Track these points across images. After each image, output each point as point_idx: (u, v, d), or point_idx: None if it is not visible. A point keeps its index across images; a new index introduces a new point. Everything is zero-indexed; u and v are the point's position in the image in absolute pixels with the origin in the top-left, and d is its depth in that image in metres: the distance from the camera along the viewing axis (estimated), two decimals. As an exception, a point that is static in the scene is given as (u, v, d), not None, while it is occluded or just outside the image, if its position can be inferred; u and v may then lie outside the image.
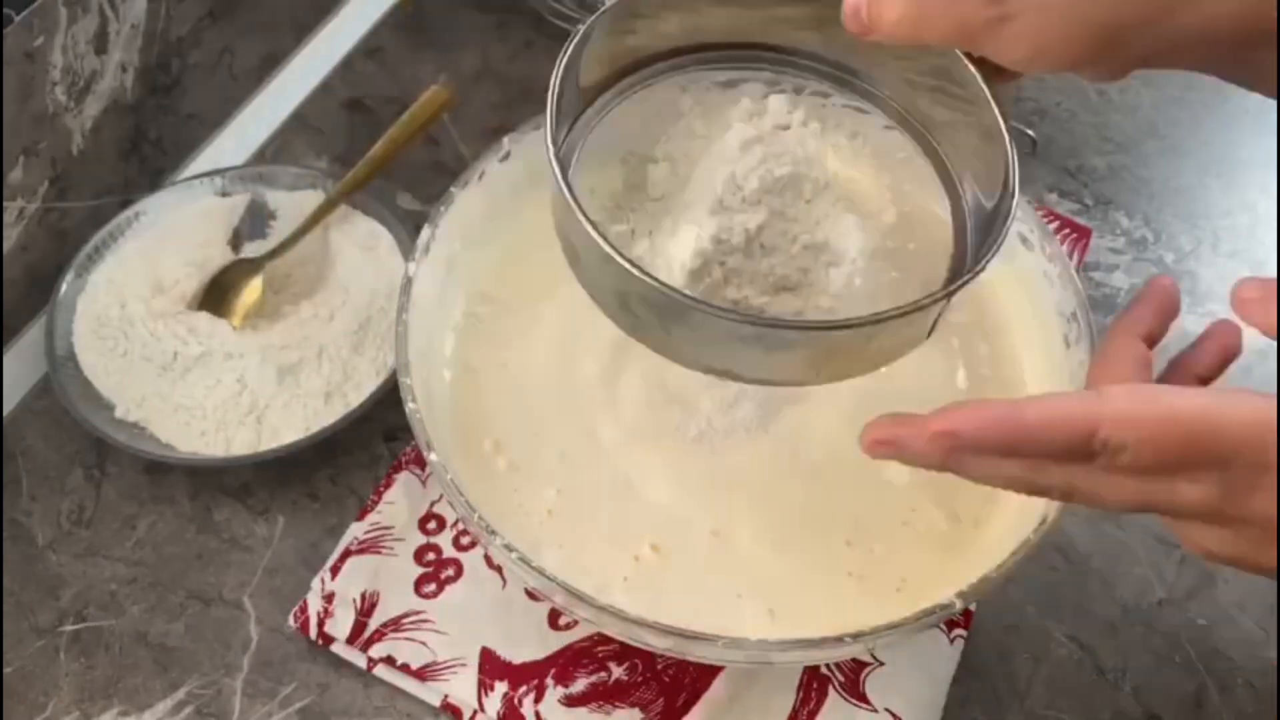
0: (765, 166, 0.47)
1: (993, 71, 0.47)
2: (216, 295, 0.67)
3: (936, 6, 0.43)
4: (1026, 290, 0.61)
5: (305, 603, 0.59)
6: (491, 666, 0.58)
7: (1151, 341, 0.45)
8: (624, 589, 0.53)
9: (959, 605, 0.49)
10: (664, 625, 0.48)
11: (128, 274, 0.67)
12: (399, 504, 0.63)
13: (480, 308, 0.61)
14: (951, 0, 0.43)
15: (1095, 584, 0.63)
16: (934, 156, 0.51)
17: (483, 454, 0.56)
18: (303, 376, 0.64)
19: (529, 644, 0.59)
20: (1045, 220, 0.61)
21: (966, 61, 0.47)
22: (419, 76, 0.83)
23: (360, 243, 0.70)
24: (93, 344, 0.65)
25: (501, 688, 0.57)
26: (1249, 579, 0.64)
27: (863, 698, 0.58)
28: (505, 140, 0.61)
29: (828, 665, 0.59)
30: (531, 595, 0.60)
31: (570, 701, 0.57)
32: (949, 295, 0.44)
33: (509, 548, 0.49)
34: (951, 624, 0.60)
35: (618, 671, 0.58)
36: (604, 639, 0.59)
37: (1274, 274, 0.77)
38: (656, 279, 0.41)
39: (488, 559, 0.61)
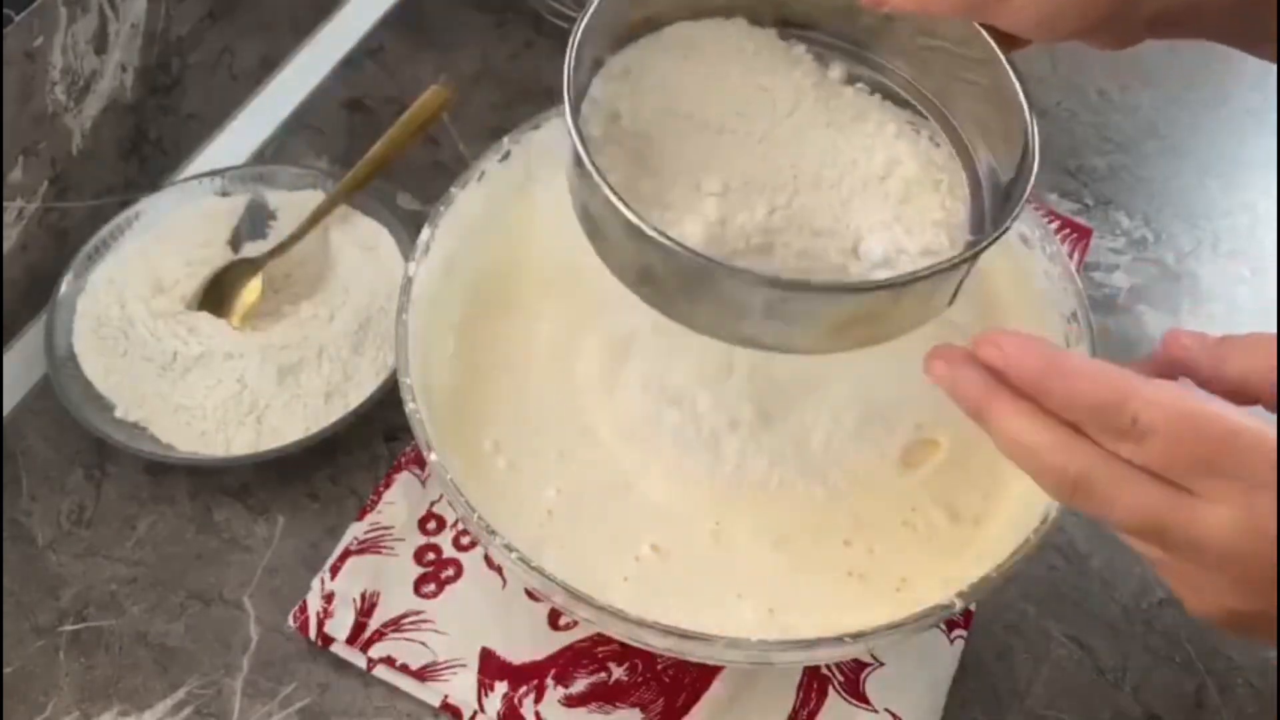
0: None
1: (1001, 40, 0.46)
2: (216, 295, 0.67)
3: None
4: (1026, 290, 0.61)
5: (305, 603, 0.59)
6: (491, 667, 0.58)
7: None
8: (624, 589, 0.53)
9: (959, 605, 0.49)
10: (664, 625, 0.48)
11: (128, 274, 0.67)
12: (399, 504, 0.63)
13: (480, 308, 0.61)
14: None
15: (1095, 584, 0.63)
16: (947, 128, 0.51)
17: (483, 454, 0.56)
18: (303, 376, 0.64)
19: (529, 644, 0.59)
20: (1045, 220, 0.61)
21: (981, 29, 0.47)
22: (419, 76, 0.83)
23: (360, 243, 0.70)
24: (93, 344, 0.65)
25: (501, 688, 0.57)
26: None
27: (863, 698, 0.58)
28: (505, 140, 0.61)
29: (828, 665, 0.59)
30: (531, 595, 0.60)
31: (570, 702, 0.57)
32: (974, 257, 0.44)
33: (509, 548, 0.49)
34: (951, 624, 0.60)
35: (618, 672, 0.58)
36: (604, 639, 0.59)
37: (1274, 274, 0.77)
38: (683, 244, 0.41)
39: (488, 559, 0.61)
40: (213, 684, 0.58)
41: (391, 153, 0.72)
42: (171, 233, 0.70)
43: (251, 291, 0.67)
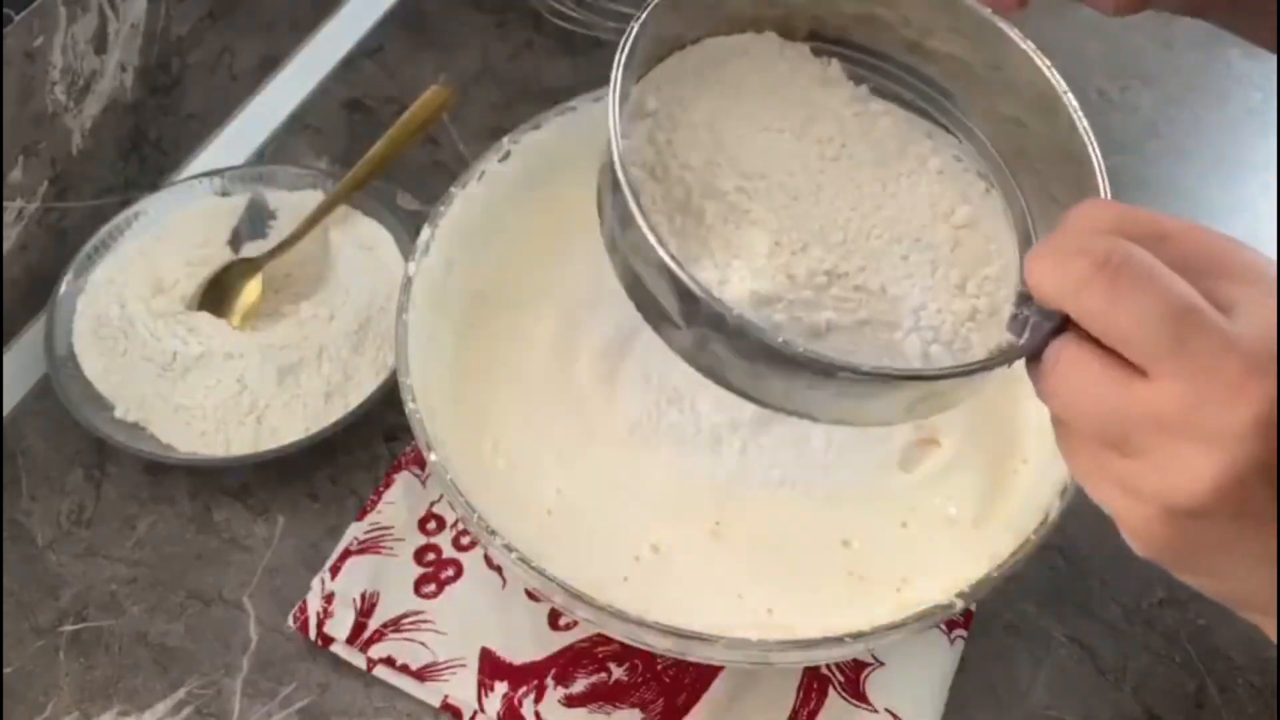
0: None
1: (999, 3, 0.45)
2: (216, 295, 0.67)
3: None
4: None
5: (305, 603, 0.59)
6: (491, 667, 0.58)
7: None
8: (624, 589, 0.53)
9: (959, 605, 0.49)
10: (664, 625, 0.48)
11: (128, 274, 0.67)
12: (399, 504, 0.63)
13: (480, 308, 0.61)
14: None
15: (1095, 584, 0.63)
16: (1009, 193, 0.49)
17: (483, 454, 0.56)
18: (303, 376, 0.64)
19: (529, 644, 0.59)
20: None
21: (1056, 78, 0.45)
22: (419, 76, 0.83)
23: (360, 243, 0.70)
24: (93, 344, 0.65)
25: (501, 688, 0.57)
26: (1249, 579, 0.64)
27: (863, 698, 0.58)
28: (505, 140, 0.61)
29: (828, 665, 0.59)
30: (531, 595, 0.60)
31: (570, 702, 0.57)
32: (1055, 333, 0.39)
33: (509, 548, 0.49)
34: (951, 624, 0.60)
35: (618, 672, 0.58)
36: (604, 639, 0.59)
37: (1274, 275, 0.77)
38: (766, 331, 0.39)
39: (488, 559, 0.61)
40: (213, 684, 0.58)
41: (391, 153, 0.72)
42: (171, 233, 0.70)
43: (251, 291, 0.67)
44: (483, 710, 0.57)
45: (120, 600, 0.60)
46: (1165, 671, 0.61)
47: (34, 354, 0.67)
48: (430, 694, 0.57)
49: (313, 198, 0.72)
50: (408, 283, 0.56)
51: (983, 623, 0.61)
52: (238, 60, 0.79)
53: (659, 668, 0.58)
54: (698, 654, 0.50)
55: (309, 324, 0.66)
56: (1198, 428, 0.33)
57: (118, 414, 0.63)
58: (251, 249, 0.70)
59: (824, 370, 0.39)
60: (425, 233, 0.58)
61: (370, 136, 0.74)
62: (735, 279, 0.43)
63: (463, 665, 0.58)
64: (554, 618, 0.59)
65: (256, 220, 0.72)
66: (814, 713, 0.57)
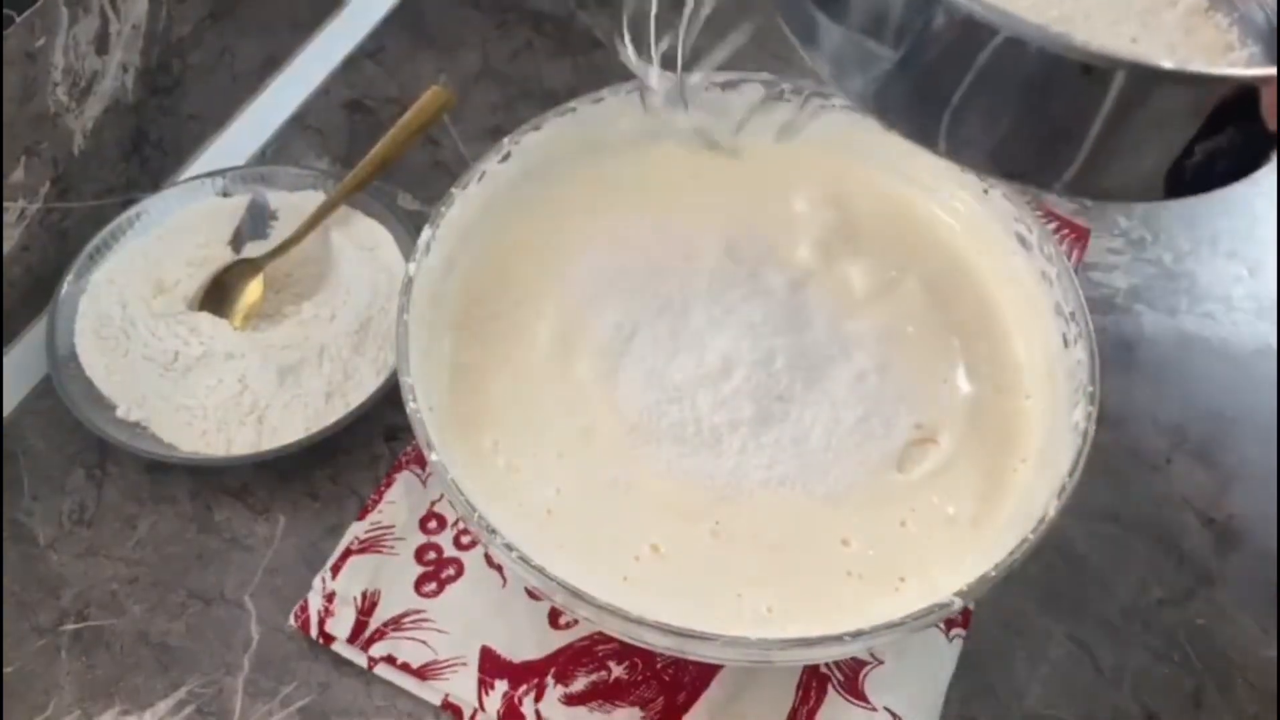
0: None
1: None
2: (217, 295, 0.67)
3: None
4: (1025, 290, 0.61)
5: (306, 602, 0.59)
6: (492, 665, 0.58)
7: None
8: (624, 588, 0.53)
9: (958, 604, 0.49)
10: (664, 624, 0.48)
11: (129, 274, 0.68)
12: (399, 503, 0.63)
13: (480, 308, 0.61)
14: None
15: (1094, 583, 0.64)
16: None
17: (483, 453, 0.57)
18: (303, 376, 0.64)
19: (529, 643, 0.59)
20: (1044, 220, 0.61)
21: None
22: (419, 76, 0.83)
23: (361, 243, 0.71)
24: (94, 344, 0.66)
25: (502, 686, 0.57)
26: (1248, 578, 0.64)
27: (862, 696, 0.58)
28: (505, 141, 0.61)
29: (827, 664, 0.59)
30: (531, 594, 0.60)
31: (570, 700, 0.57)
32: None
33: (509, 547, 0.49)
34: (950, 623, 0.60)
35: (618, 670, 0.58)
36: (604, 638, 0.59)
37: (1273, 273, 0.77)
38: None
39: (488, 558, 0.61)
40: (214, 683, 0.58)
41: (392, 153, 0.72)
42: (172, 233, 0.70)
43: (252, 292, 0.68)
44: (483, 709, 0.57)
45: (121, 600, 0.60)
46: (1164, 671, 0.61)
47: (35, 354, 0.67)
48: (431, 692, 0.58)
49: (313, 198, 0.72)
50: (408, 283, 0.56)
51: (981, 622, 0.61)
52: (239, 61, 0.79)
53: (658, 666, 0.58)
54: (697, 652, 0.51)
55: (310, 324, 0.66)
56: None
57: (119, 414, 0.64)
58: (252, 249, 0.70)
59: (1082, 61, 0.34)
60: (425, 233, 0.58)
61: (371, 137, 0.74)
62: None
63: (463, 664, 0.58)
64: (554, 616, 0.60)
65: (257, 220, 0.72)
66: (813, 711, 0.58)
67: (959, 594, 0.49)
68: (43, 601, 0.60)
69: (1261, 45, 0.44)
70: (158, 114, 0.74)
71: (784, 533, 0.55)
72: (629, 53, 0.51)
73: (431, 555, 0.61)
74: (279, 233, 0.71)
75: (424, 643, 0.58)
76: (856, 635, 0.48)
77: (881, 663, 0.59)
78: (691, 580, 0.54)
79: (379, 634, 0.59)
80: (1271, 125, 0.36)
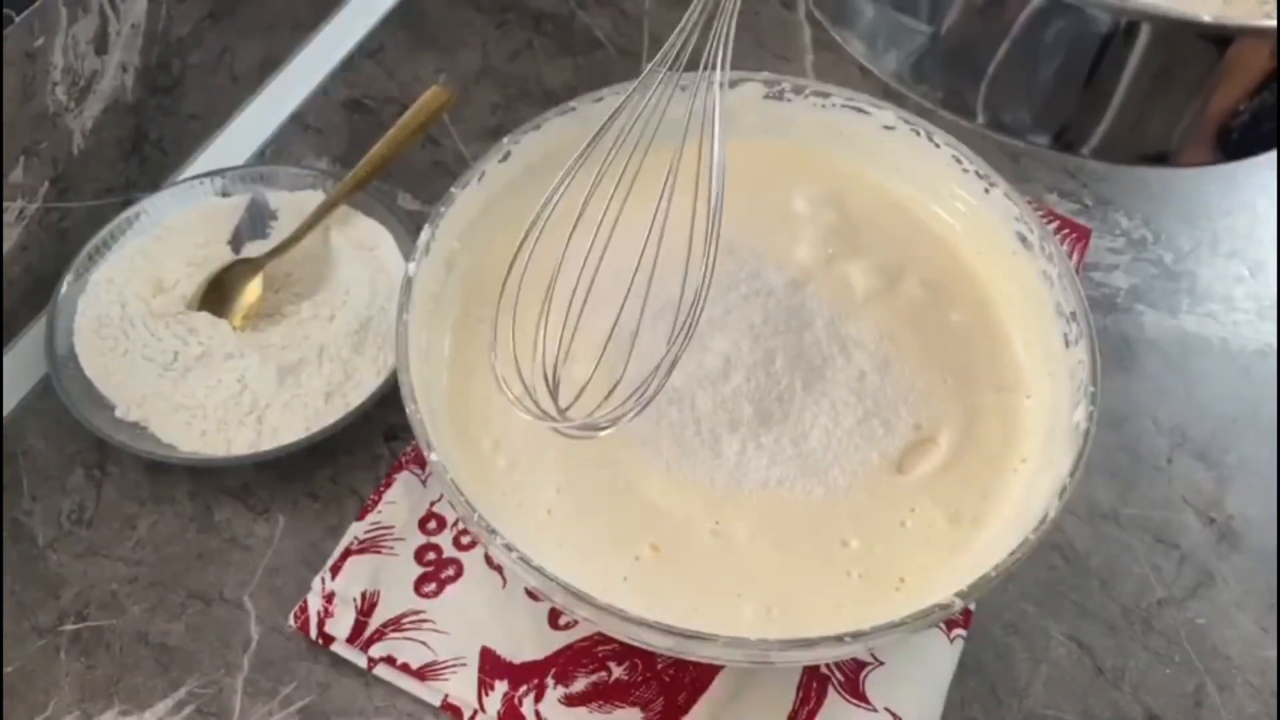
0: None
1: None
2: (217, 295, 0.67)
3: None
4: (1026, 290, 0.61)
5: (305, 602, 0.59)
6: (491, 666, 0.58)
7: None
8: (624, 589, 0.53)
9: (958, 605, 0.49)
10: (664, 625, 0.48)
11: (128, 274, 0.68)
12: (399, 504, 0.63)
13: (480, 308, 0.61)
14: None
15: (1094, 584, 0.64)
16: None
17: (483, 454, 0.57)
18: (303, 376, 0.64)
19: (529, 643, 0.59)
20: (1045, 220, 0.61)
21: None
22: (419, 76, 0.83)
23: (360, 243, 0.71)
24: (93, 344, 0.65)
25: (501, 687, 0.57)
26: (1248, 578, 0.64)
27: (862, 697, 0.58)
28: (505, 140, 0.61)
29: (827, 664, 0.59)
30: (531, 595, 0.60)
31: (570, 701, 0.57)
32: None
33: (509, 547, 0.49)
34: (951, 623, 0.60)
35: (618, 671, 0.58)
36: (604, 638, 0.59)
37: (1273, 273, 0.77)
38: None
39: (488, 559, 0.61)
40: (213, 683, 0.58)
41: (391, 153, 0.72)
42: (172, 233, 0.70)
43: (252, 292, 0.68)
44: (483, 709, 0.57)
45: (121, 600, 0.60)
46: (1164, 671, 0.61)
47: (35, 354, 0.67)
48: (430, 693, 0.58)
49: (313, 198, 0.72)
50: (408, 283, 0.56)
51: (982, 622, 0.61)
52: (238, 60, 0.79)
53: (659, 667, 0.58)
54: (697, 653, 0.50)
55: (309, 324, 0.66)
56: None
57: (118, 414, 0.64)
58: (252, 249, 0.70)
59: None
60: (425, 233, 0.58)
61: (370, 136, 0.74)
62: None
63: (463, 664, 0.58)
64: (554, 617, 0.60)
65: (257, 220, 0.72)
66: (813, 712, 0.58)
67: (959, 594, 0.49)
68: (43, 601, 0.60)
69: None
70: (157, 114, 0.74)
71: (784, 533, 0.55)
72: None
73: (431, 556, 0.61)
74: (279, 233, 0.71)
75: (424, 643, 0.58)
76: (857, 636, 0.48)
77: (882, 663, 0.59)
78: (691, 580, 0.54)
79: (379, 634, 0.59)
80: None
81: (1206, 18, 0.35)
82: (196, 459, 0.62)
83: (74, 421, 0.63)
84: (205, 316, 0.66)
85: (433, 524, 0.62)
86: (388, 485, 0.63)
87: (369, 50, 0.85)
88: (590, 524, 0.55)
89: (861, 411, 0.57)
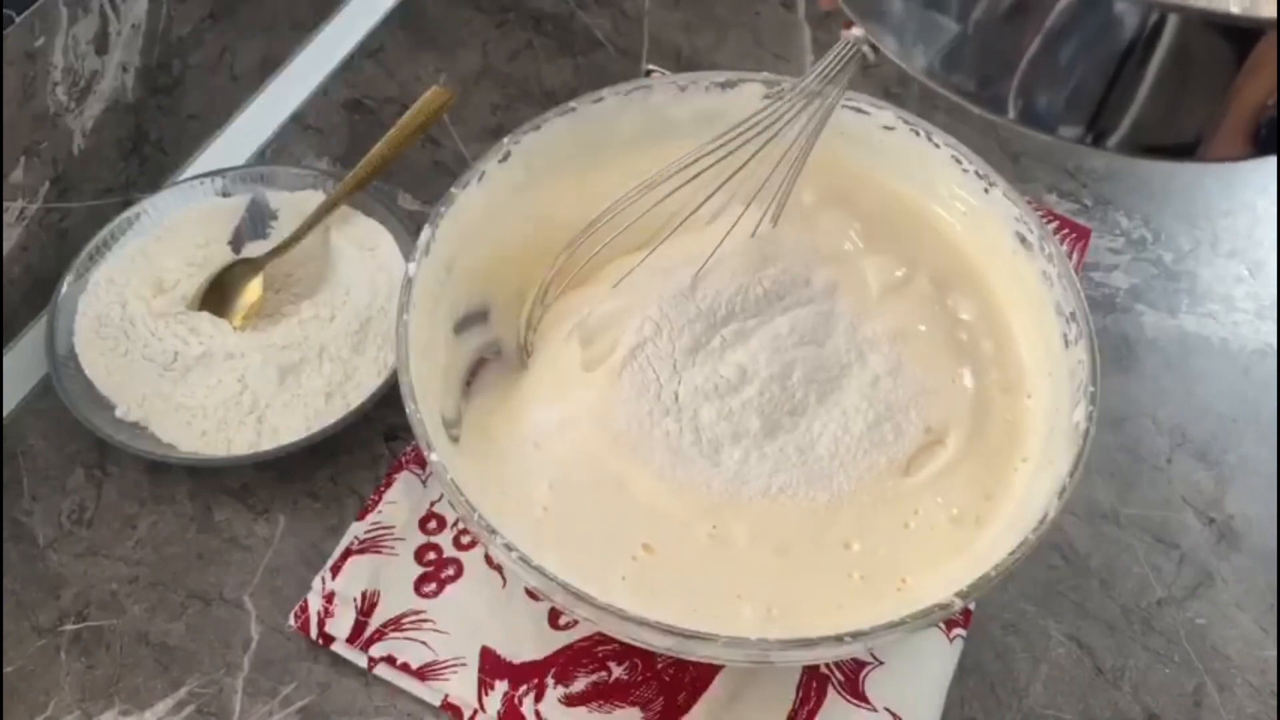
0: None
1: None
2: (217, 295, 0.67)
3: None
4: (1026, 290, 0.61)
5: (306, 602, 0.59)
6: (491, 666, 0.58)
7: None
8: (624, 589, 0.53)
9: (958, 605, 0.49)
10: (664, 624, 0.48)
11: (128, 274, 0.68)
12: (399, 504, 0.63)
13: (480, 308, 0.61)
14: None
15: (1094, 583, 0.64)
16: None
17: (481, 452, 0.56)
18: (303, 376, 0.64)
19: (529, 643, 0.59)
20: (1045, 220, 0.61)
21: None
22: (419, 76, 0.83)
23: (361, 243, 0.71)
24: (94, 344, 0.66)
25: (501, 687, 0.57)
26: (1248, 578, 0.64)
27: (862, 697, 0.58)
28: (505, 141, 0.61)
29: (827, 664, 0.59)
30: (531, 595, 0.60)
31: (570, 701, 0.57)
32: None
33: (509, 547, 0.49)
34: (951, 623, 0.60)
35: (618, 671, 0.58)
36: (604, 638, 0.59)
37: (1273, 273, 0.77)
38: None
39: (488, 559, 0.61)
40: (213, 683, 0.58)
41: (392, 153, 0.72)
42: (172, 233, 0.70)
43: (252, 292, 0.68)
44: (483, 709, 0.57)
45: (121, 600, 0.60)
46: (1164, 671, 0.61)
47: (35, 354, 0.67)
48: (431, 693, 0.58)
49: (313, 198, 0.72)
50: (408, 283, 0.56)
51: (982, 622, 0.61)
52: (238, 61, 0.79)
53: (659, 666, 0.58)
54: (697, 652, 0.50)
55: (310, 324, 0.66)
56: None
57: (119, 414, 0.64)
58: (252, 249, 0.70)
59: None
60: (425, 233, 0.58)
61: (370, 137, 0.74)
62: None
63: (463, 664, 0.58)
64: (554, 617, 0.60)
65: (257, 220, 0.72)
66: (813, 712, 0.58)
67: (959, 594, 0.49)
68: (43, 601, 0.60)
69: None
70: (157, 114, 0.74)
71: (785, 538, 0.55)
72: None
73: (431, 556, 0.61)
74: (279, 233, 0.71)
75: (424, 643, 0.58)
76: (856, 635, 0.48)
77: (882, 663, 0.59)
78: (689, 581, 0.54)
79: (379, 634, 0.59)
80: None
81: (1235, 7, 0.35)
82: (196, 459, 0.63)
83: (74, 421, 0.63)
84: (205, 316, 0.66)
85: (433, 524, 0.62)
86: (388, 485, 0.63)
87: (369, 50, 0.85)
88: (584, 522, 0.55)
89: (873, 416, 0.57)
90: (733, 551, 0.54)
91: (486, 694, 0.57)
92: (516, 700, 0.57)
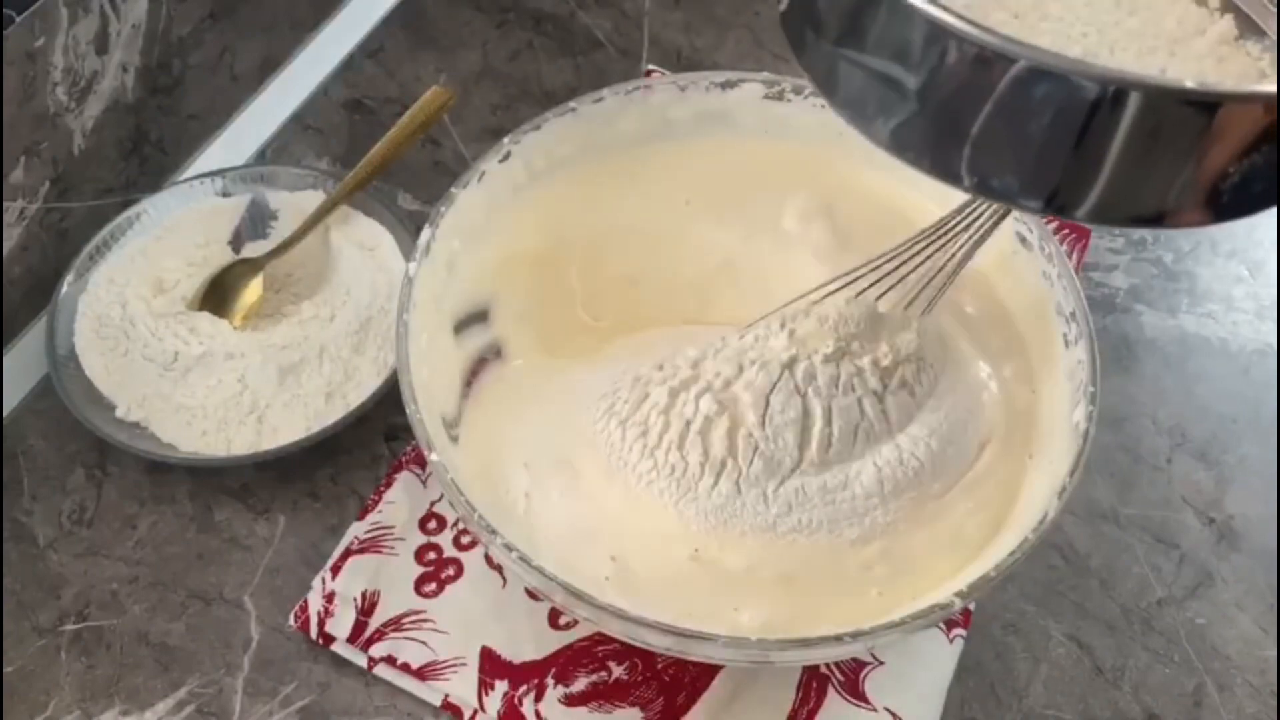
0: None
1: None
2: (217, 295, 0.67)
3: None
4: (1026, 290, 0.61)
5: (306, 602, 0.59)
6: (492, 666, 0.58)
7: None
8: (623, 589, 0.53)
9: (958, 605, 0.49)
10: (664, 624, 0.48)
11: (129, 274, 0.68)
12: (399, 504, 0.63)
13: (480, 308, 0.61)
14: None
15: (1094, 583, 0.64)
16: None
17: (478, 450, 0.57)
18: (304, 376, 0.64)
19: (529, 643, 0.59)
20: (1045, 220, 0.61)
21: None
22: (419, 76, 0.83)
23: (361, 243, 0.71)
24: (94, 344, 0.66)
25: (502, 687, 0.57)
26: (1247, 578, 0.64)
27: (862, 697, 0.58)
28: (505, 141, 0.61)
29: (827, 664, 0.59)
30: (531, 595, 0.60)
31: (570, 701, 0.57)
32: None
33: (509, 547, 0.49)
34: (951, 623, 0.60)
35: (617, 671, 0.58)
36: (604, 638, 0.59)
37: (1273, 273, 0.77)
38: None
39: (488, 558, 0.61)
40: (213, 683, 0.58)
41: (392, 153, 0.72)
42: (172, 233, 0.70)
43: (252, 292, 0.68)
44: (483, 709, 0.57)
45: (121, 600, 0.60)
46: (1164, 671, 0.61)
47: (35, 354, 0.67)
48: (431, 693, 0.58)
49: (313, 198, 0.72)
50: (408, 283, 0.56)
51: (981, 622, 0.61)
52: (239, 61, 0.79)
53: (659, 667, 0.58)
54: (697, 652, 0.51)
55: (310, 324, 0.66)
56: None
57: (119, 414, 0.64)
58: (252, 249, 0.70)
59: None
60: (425, 233, 0.58)
61: (371, 137, 0.74)
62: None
63: (463, 664, 0.58)
64: (554, 617, 0.60)
65: (257, 220, 0.72)
66: (813, 712, 0.58)
67: (959, 594, 0.49)
68: (43, 601, 0.60)
69: None
70: (158, 114, 0.74)
71: (791, 570, 0.54)
72: None
73: (431, 556, 0.61)
74: (279, 233, 0.71)
75: (424, 643, 0.58)
76: (856, 635, 0.48)
77: (882, 663, 0.59)
78: (692, 580, 0.54)
79: (379, 634, 0.59)
80: None
81: (1190, 83, 0.36)
82: (196, 459, 0.63)
83: (74, 421, 0.63)
84: (206, 316, 0.66)
85: (433, 524, 0.62)
86: (388, 485, 0.63)
87: (369, 50, 0.85)
88: (558, 517, 0.55)
89: (936, 444, 0.56)
90: (722, 574, 0.54)
91: (486, 694, 0.57)
92: (516, 700, 0.57)
